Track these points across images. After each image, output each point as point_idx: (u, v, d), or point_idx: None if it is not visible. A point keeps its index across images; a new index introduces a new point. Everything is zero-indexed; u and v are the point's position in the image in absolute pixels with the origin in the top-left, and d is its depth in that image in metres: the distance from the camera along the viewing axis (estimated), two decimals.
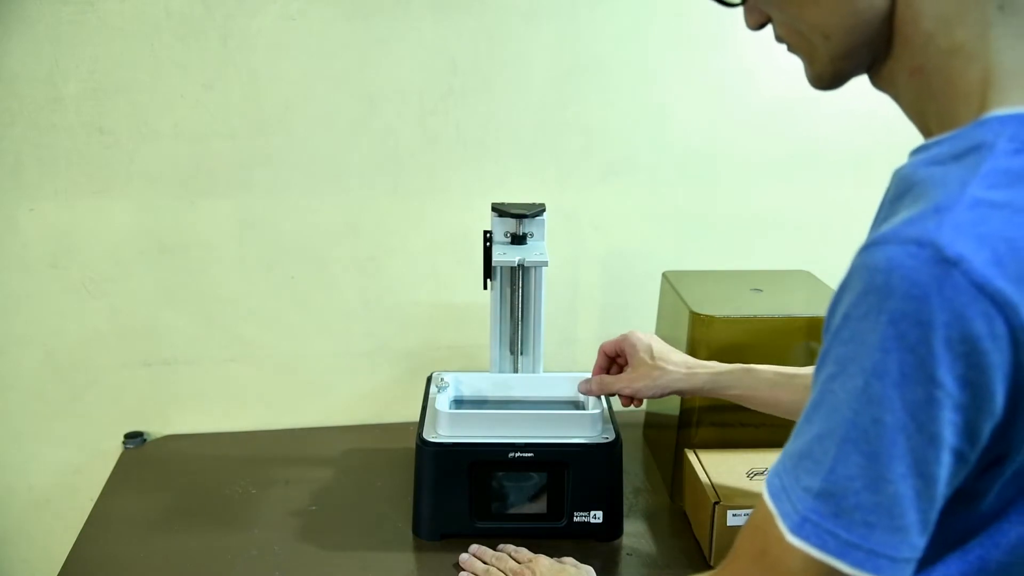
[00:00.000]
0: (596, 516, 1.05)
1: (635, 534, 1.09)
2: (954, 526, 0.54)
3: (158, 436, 1.35)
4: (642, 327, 1.10)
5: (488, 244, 1.10)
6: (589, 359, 1.10)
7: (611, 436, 1.04)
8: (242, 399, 1.37)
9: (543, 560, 0.97)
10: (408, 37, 1.23)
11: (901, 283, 0.46)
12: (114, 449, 1.31)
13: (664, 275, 1.25)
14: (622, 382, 1.01)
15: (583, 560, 1.00)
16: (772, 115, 1.35)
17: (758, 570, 0.55)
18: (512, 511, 1.06)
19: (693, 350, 1.05)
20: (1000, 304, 0.46)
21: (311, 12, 1.20)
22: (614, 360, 1.07)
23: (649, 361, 1.00)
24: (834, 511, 0.50)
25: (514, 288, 1.14)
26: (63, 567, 1.01)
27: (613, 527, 1.06)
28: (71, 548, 1.05)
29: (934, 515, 0.51)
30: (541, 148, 1.32)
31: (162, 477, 1.22)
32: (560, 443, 1.03)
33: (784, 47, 0.64)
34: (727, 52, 1.31)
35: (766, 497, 0.55)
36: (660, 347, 1.01)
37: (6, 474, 1.34)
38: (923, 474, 0.49)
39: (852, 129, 1.35)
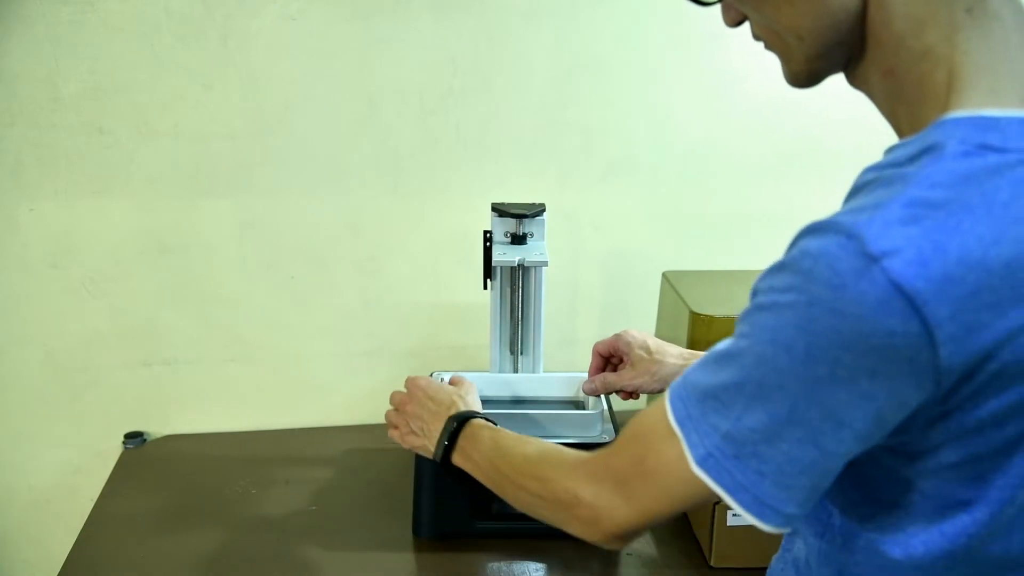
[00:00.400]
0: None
1: None
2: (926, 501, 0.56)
3: (158, 436, 1.35)
4: (642, 327, 1.10)
5: (488, 244, 1.10)
6: (589, 359, 1.10)
7: (611, 436, 1.04)
8: (242, 399, 1.37)
9: (415, 387, 0.96)
10: (408, 37, 1.23)
11: (824, 271, 0.48)
12: (114, 449, 1.31)
13: (664, 275, 1.25)
14: (624, 379, 1.01)
15: (583, 560, 1.00)
16: (772, 115, 1.35)
17: (635, 471, 0.61)
18: (512, 511, 1.06)
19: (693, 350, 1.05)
20: (918, 305, 0.46)
21: (311, 12, 1.20)
22: (608, 360, 1.07)
23: (647, 356, 1.00)
24: (735, 453, 0.54)
25: (514, 288, 1.15)
26: (63, 567, 1.01)
27: None
28: (71, 548, 1.05)
29: (826, 483, 0.54)
30: (541, 148, 1.32)
31: (162, 477, 1.22)
32: (560, 443, 1.02)
33: (762, 45, 0.64)
34: (727, 52, 1.31)
35: (671, 420, 0.58)
36: (656, 343, 1.01)
37: (6, 474, 1.34)
38: (818, 445, 0.52)
39: (852, 129, 1.34)
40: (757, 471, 0.53)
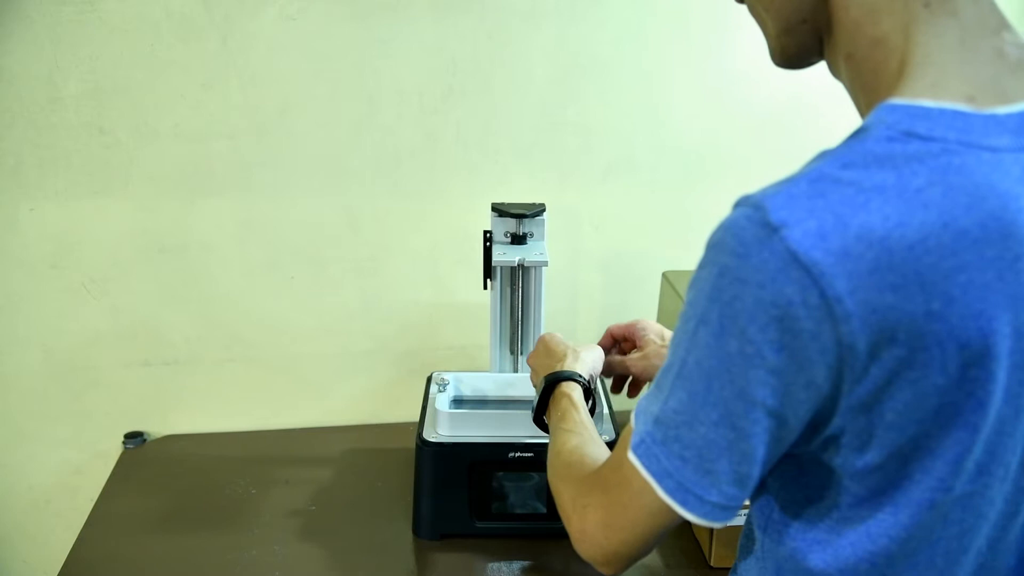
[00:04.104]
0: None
1: None
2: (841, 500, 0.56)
3: (158, 436, 1.35)
4: None
5: (488, 244, 1.10)
6: None
7: (611, 436, 1.04)
8: (242, 399, 1.37)
9: (541, 342, 0.98)
10: (408, 37, 1.23)
11: (731, 241, 0.49)
12: (114, 449, 1.31)
13: (664, 275, 1.25)
14: (629, 362, 1.00)
15: (583, 561, 1.00)
16: (772, 115, 1.35)
17: (614, 479, 0.60)
18: (512, 511, 1.06)
19: None
20: (815, 275, 0.47)
21: (311, 12, 1.20)
22: (617, 343, 1.06)
23: (659, 342, 1.00)
24: (662, 438, 0.55)
25: (514, 288, 1.15)
26: (63, 567, 1.01)
27: None
28: (71, 548, 1.05)
29: (749, 471, 0.53)
30: (541, 148, 1.32)
31: (162, 477, 1.22)
32: None
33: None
34: (727, 52, 1.31)
35: (632, 417, 0.59)
36: (670, 333, 1.01)
37: (6, 474, 1.34)
38: (734, 426, 0.52)
39: (852, 129, 1.34)
40: (680, 456, 0.54)
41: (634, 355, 1.00)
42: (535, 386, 0.93)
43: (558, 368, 0.89)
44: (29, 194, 1.21)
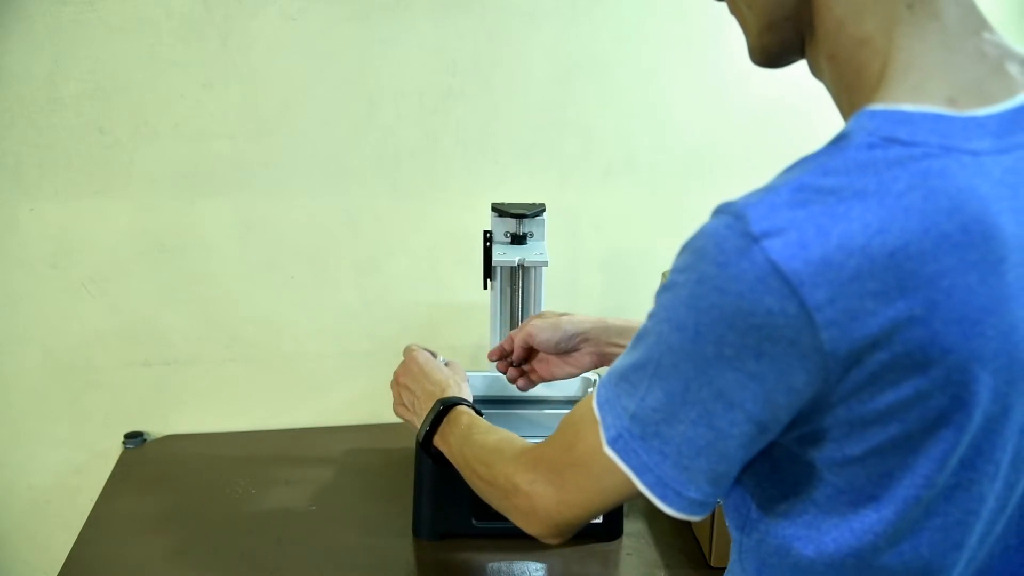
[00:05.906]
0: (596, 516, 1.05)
1: (635, 534, 1.09)
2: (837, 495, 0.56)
3: (158, 436, 1.35)
4: None
5: (488, 244, 1.10)
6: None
7: None
8: (242, 399, 1.37)
9: (413, 361, 0.97)
10: (408, 37, 1.23)
11: (712, 249, 0.50)
12: (114, 449, 1.31)
13: (664, 275, 1.25)
14: (544, 371, 1.01)
15: (583, 560, 1.00)
16: (771, 115, 1.35)
17: (566, 460, 0.62)
18: None
19: None
20: (794, 285, 0.47)
21: (311, 12, 1.20)
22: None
23: (554, 317, 0.99)
24: (641, 434, 0.55)
25: (514, 288, 1.15)
26: (63, 567, 1.01)
27: (613, 527, 1.06)
28: (71, 548, 1.05)
29: (727, 470, 0.54)
30: (541, 148, 1.32)
31: (162, 477, 1.22)
32: None
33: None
34: (726, 52, 1.31)
35: (594, 404, 0.59)
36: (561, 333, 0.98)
37: (6, 474, 1.34)
38: (712, 427, 0.52)
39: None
40: (660, 451, 0.54)
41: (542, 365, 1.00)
42: (410, 406, 0.94)
43: (446, 395, 0.89)
44: (29, 194, 1.21)
